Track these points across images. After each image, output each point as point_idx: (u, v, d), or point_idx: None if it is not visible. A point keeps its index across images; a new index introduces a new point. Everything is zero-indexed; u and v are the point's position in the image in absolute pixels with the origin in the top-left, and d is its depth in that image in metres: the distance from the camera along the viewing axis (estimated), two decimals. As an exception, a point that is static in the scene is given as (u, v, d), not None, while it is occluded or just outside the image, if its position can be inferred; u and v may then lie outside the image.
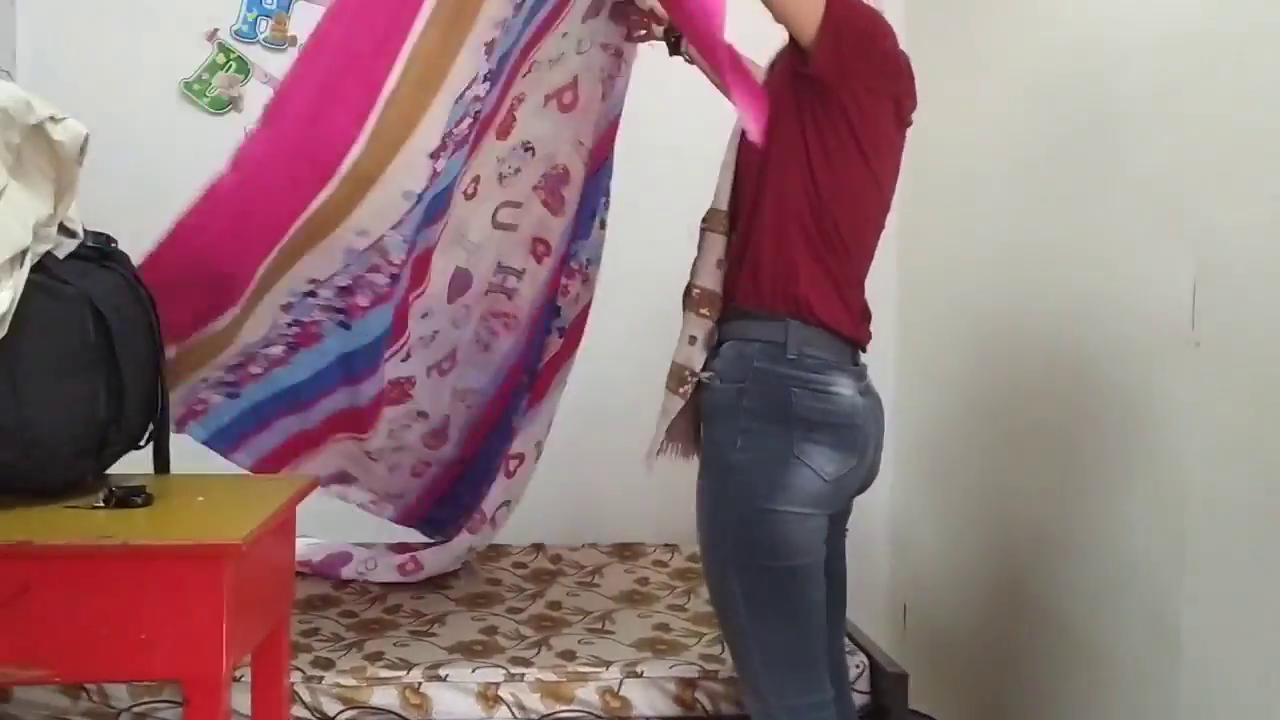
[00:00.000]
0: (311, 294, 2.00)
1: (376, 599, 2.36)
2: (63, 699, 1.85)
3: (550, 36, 2.07)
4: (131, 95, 2.73)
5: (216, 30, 2.80)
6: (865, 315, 1.75)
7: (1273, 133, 1.55)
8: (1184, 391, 1.72)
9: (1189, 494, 1.70)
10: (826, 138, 1.64)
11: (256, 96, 2.79)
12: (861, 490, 1.80)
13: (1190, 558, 1.69)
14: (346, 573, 2.45)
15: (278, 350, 2.07)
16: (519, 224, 2.30)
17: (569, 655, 2.05)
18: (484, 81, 1.89)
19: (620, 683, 1.96)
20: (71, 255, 1.58)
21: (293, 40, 2.82)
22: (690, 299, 1.75)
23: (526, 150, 2.22)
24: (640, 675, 1.97)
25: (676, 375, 1.74)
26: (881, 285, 1.78)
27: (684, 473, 2.87)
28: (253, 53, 2.82)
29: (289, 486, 1.62)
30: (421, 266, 2.13)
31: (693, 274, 1.76)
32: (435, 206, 1.99)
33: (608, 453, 2.88)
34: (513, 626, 2.21)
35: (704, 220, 1.77)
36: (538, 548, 2.74)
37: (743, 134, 1.70)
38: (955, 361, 2.64)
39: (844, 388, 1.67)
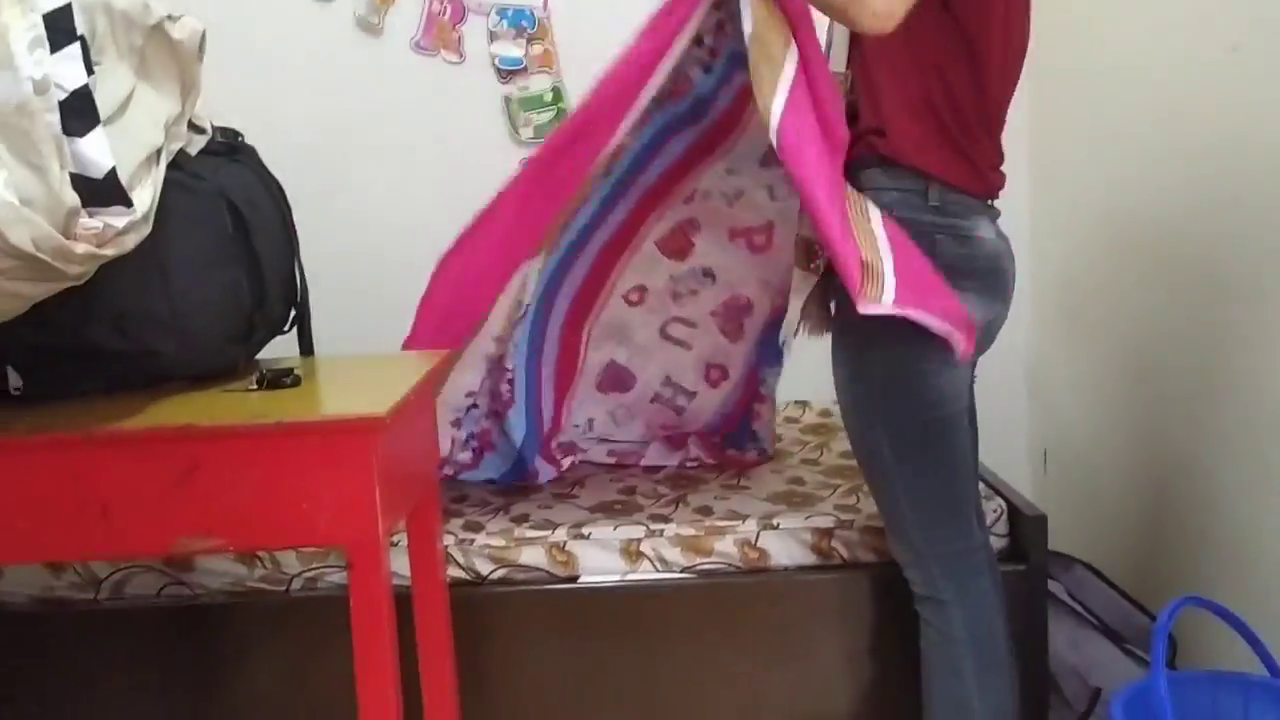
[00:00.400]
0: (474, 405, 2.19)
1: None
2: (240, 568, 2.00)
3: (707, 170, 2.13)
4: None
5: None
6: (996, 162, 1.69)
7: None
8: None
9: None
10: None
11: (361, -20, 2.80)
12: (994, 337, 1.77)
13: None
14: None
15: (467, 456, 2.29)
16: (693, 344, 2.33)
17: (705, 511, 2.10)
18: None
19: (757, 535, 2.01)
20: (202, 152, 1.64)
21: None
22: None
23: (706, 275, 2.27)
24: (777, 527, 2.02)
25: (804, 250, 1.73)
26: (1013, 116, 1.71)
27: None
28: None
29: (427, 361, 1.68)
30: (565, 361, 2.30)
31: None
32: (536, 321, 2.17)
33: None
34: (650, 486, 2.27)
35: None
36: (671, 410, 2.79)
37: None
38: (1093, 196, 2.52)
39: (985, 231, 1.65)
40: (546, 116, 2.85)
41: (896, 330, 1.61)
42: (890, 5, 1.45)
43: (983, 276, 1.65)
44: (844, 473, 2.29)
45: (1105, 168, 2.44)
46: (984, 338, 1.67)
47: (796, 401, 2.79)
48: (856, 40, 1.70)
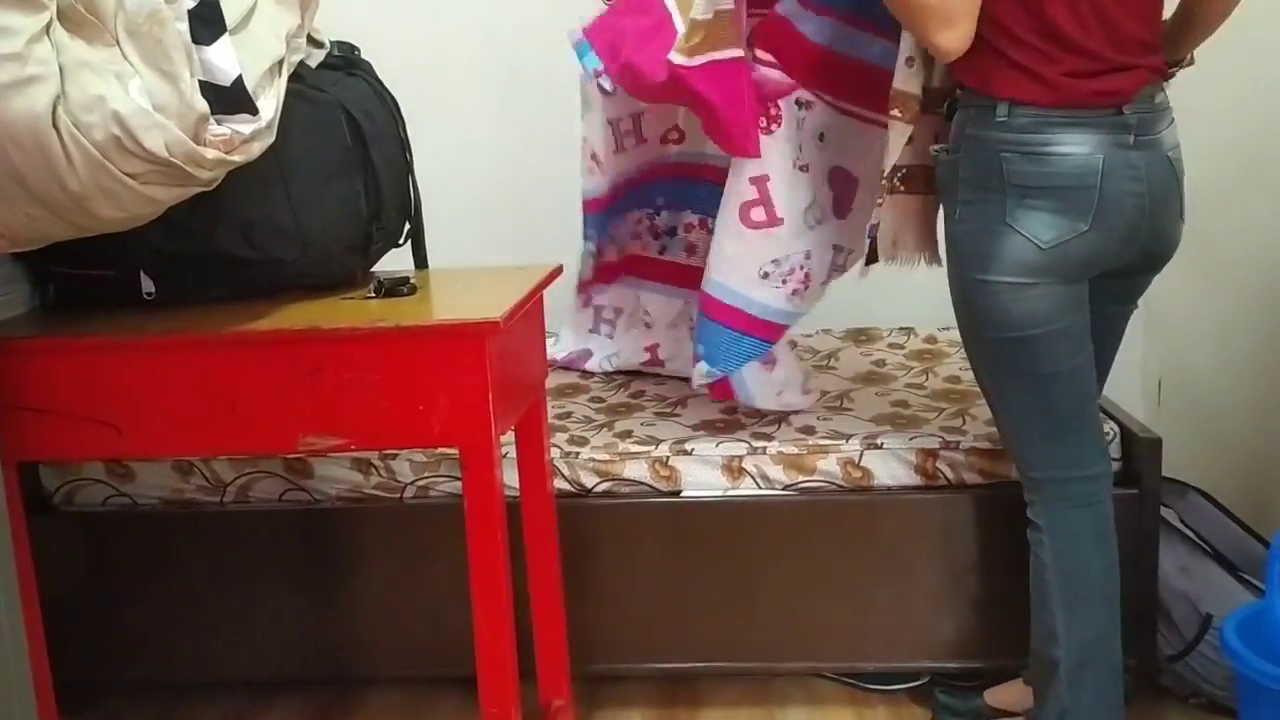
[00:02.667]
0: None
1: (621, 386, 2.49)
2: (357, 475, 2.08)
3: None
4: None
5: None
6: (1078, 71, 1.55)
7: None
8: None
9: None
10: None
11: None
12: (1151, 268, 1.70)
13: None
14: (591, 365, 2.57)
15: None
16: None
17: (809, 430, 2.10)
18: None
19: (861, 454, 2.01)
20: (321, 65, 1.68)
21: None
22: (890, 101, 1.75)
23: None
24: (880, 447, 2.01)
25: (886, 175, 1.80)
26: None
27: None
28: None
29: (537, 273, 1.71)
30: None
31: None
32: None
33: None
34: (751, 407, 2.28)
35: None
36: (772, 335, 2.78)
37: None
38: (1221, 118, 2.41)
39: (1072, 145, 1.55)
40: None
41: (965, 246, 1.63)
42: (950, 42, 1.54)
43: (1057, 194, 1.55)
44: (949, 396, 2.26)
45: (1235, 88, 2.32)
46: (1057, 261, 1.57)
47: (901, 328, 2.76)
48: None
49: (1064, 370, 1.65)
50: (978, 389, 2.22)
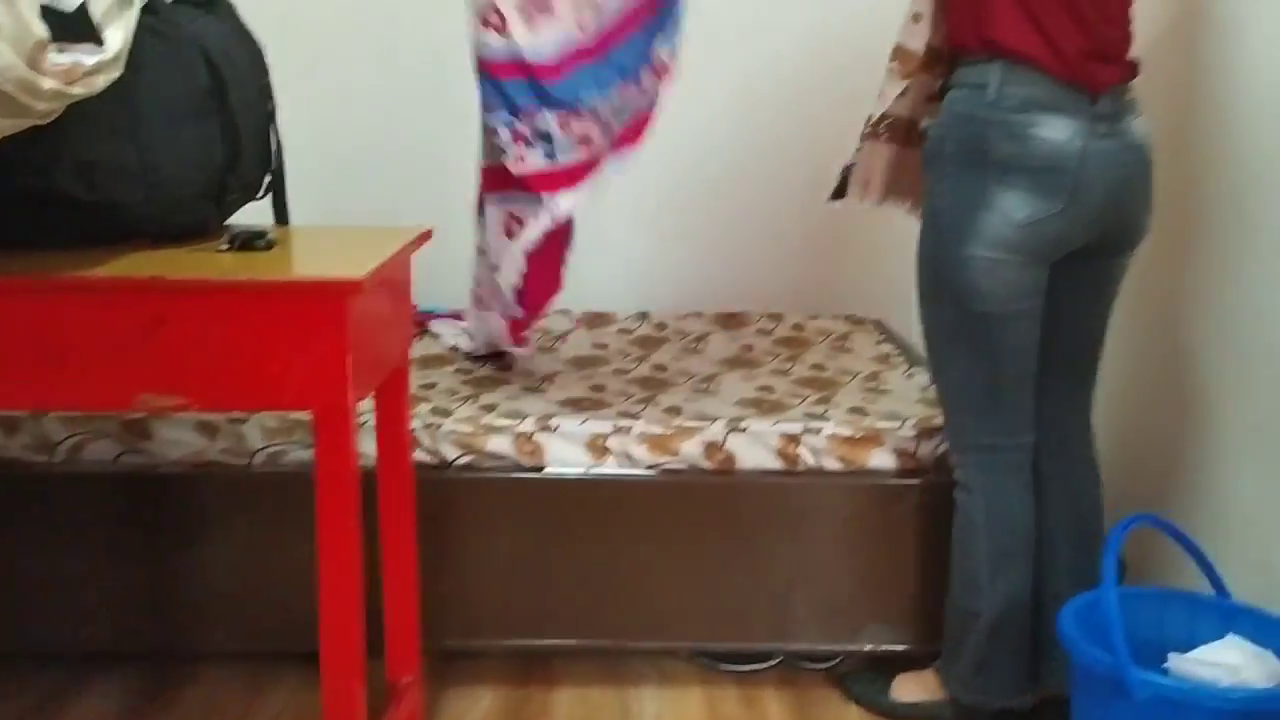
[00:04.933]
0: None
1: (489, 359, 2.43)
2: (201, 439, 1.98)
3: None
4: None
5: None
6: (1096, 53, 1.63)
7: None
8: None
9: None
10: None
11: None
12: (1118, 250, 1.76)
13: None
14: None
15: None
16: None
17: (674, 411, 2.10)
18: None
19: (725, 437, 2.01)
20: (178, 0, 1.57)
21: None
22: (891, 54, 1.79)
23: None
24: (744, 430, 2.02)
25: (867, 122, 1.81)
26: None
27: (789, 244, 2.88)
28: None
29: (406, 234, 1.64)
30: None
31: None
32: None
33: (712, 222, 2.87)
34: (620, 385, 2.26)
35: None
36: (643, 316, 2.78)
37: None
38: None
39: (1053, 130, 1.61)
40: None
41: (945, 219, 1.68)
42: None
43: (1036, 175, 1.62)
44: (814, 383, 2.29)
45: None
46: (1030, 238, 1.64)
47: (770, 314, 2.78)
48: None
49: (1017, 347, 1.74)
50: (841, 378, 2.27)
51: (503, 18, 1.95)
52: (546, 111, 1.96)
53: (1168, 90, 2.04)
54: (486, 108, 2.03)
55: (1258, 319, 1.82)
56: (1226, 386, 1.91)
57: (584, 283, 2.86)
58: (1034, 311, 1.73)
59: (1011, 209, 1.62)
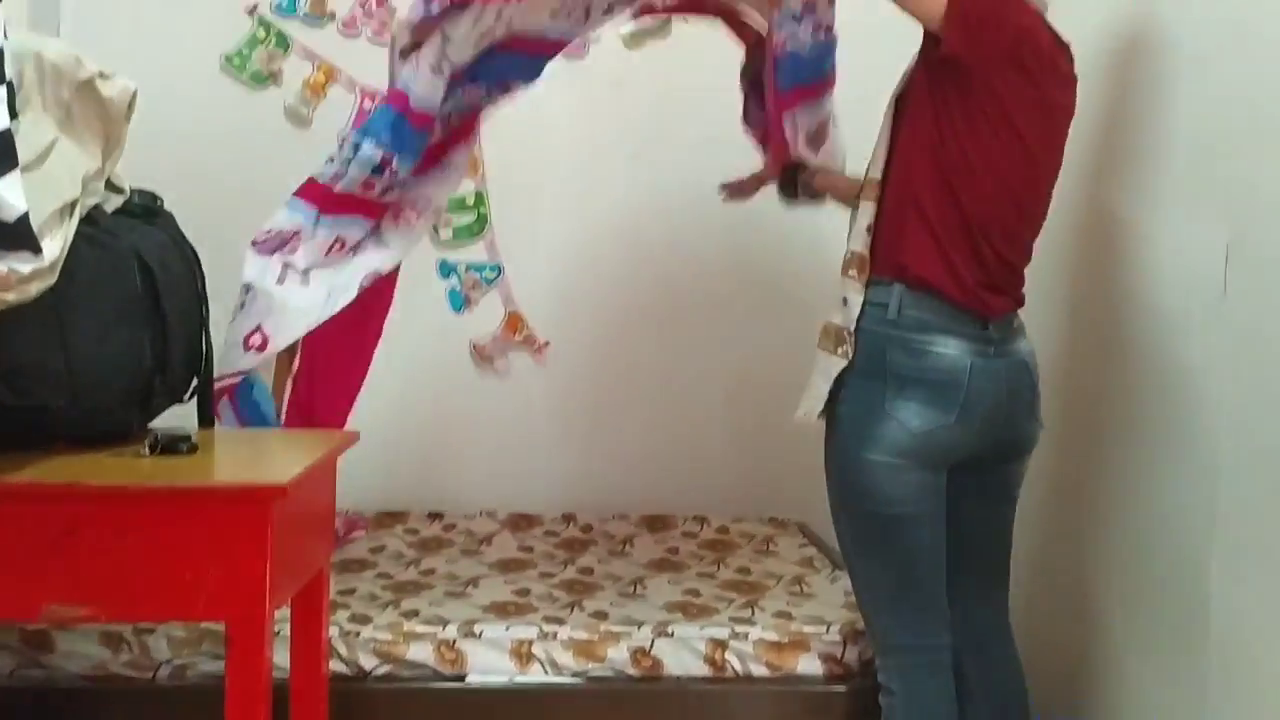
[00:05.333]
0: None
1: (411, 563, 2.39)
2: (104, 651, 1.89)
3: None
4: (172, 68, 2.74)
5: (256, 5, 2.83)
6: (991, 285, 1.74)
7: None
8: (1215, 358, 1.71)
9: (1220, 460, 1.69)
10: (956, 118, 1.68)
11: (296, 71, 2.83)
12: (1010, 458, 1.83)
13: (1221, 520, 1.69)
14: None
15: None
16: None
17: (601, 616, 2.07)
18: None
19: (651, 642, 1.98)
20: (119, 211, 1.62)
21: (331, 15, 2.85)
22: (844, 262, 1.80)
23: None
24: (671, 635, 1.99)
25: (834, 336, 1.78)
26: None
27: (712, 447, 2.93)
28: (292, 27, 2.84)
29: (332, 438, 1.65)
30: None
31: (848, 239, 1.81)
32: None
33: (638, 427, 2.92)
34: (545, 589, 2.23)
35: (862, 189, 1.81)
36: (568, 518, 2.77)
37: (896, 105, 1.78)
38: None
39: (948, 347, 1.71)
40: (467, 219, 2.88)
41: (847, 425, 1.75)
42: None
43: (931, 388, 1.70)
44: (740, 587, 2.29)
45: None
46: (924, 446, 1.70)
47: (695, 516, 2.79)
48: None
49: (922, 547, 1.77)
50: (766, 581, 2.27)
51: None
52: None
53: (1072, 304, 2.18)
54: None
55: (1154, 533, 1.88)
56: (1127, 597, 1.96)
57: (509, 485, 2.88)
58: (936, 514, 1.78)
59: (908, 418, 1.70)
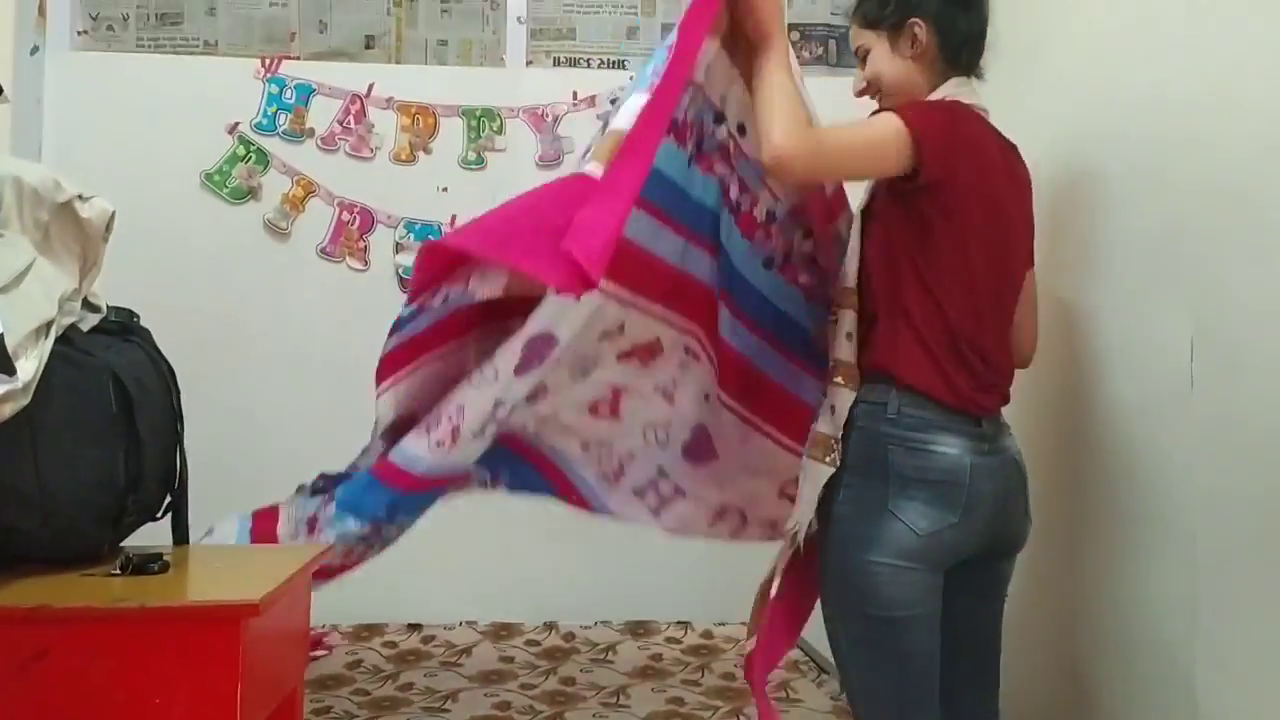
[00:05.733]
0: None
1: (389, 677, 2.35)
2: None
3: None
4: (154, 186, 2.81)
5: (238, 124, 2.90)
6: (981, 387, 1.76)
7: (1258, 192, 1.59)
8: (1185, 451, 1.73)
9: (1198, 553, 1.70)
10: (935, 231, 1.70)
11: (275, 186, 2.89)
12: (1003, 554, 1.82)
13: (1203, 611, 1.69)
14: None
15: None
16: None
17: (583, 729, 2.03)
18: None
19: (635, 755, 1.95)
20: (95, 329, 1.63)
21: (310, 132, 2.92)
22: (829, 370, 1.80)
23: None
24: (655, 747, 1.96)
25: (823, 444, 1.76)
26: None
27: (693, 550, 2.90)
28: (272, 144, 2.91)
29: (305, 553, 1.63)
30: None
31: (831, 348, 1.82)
32: None
33: (618, 530, 2.89)
34: (526, 702, 2.20)
35: (837, 298, 1.82)
36: (550, 626, 2.73)
37: (863, 215, 1.79)
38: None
39: (949, 447, 1.70)
40: (445, 326, 2.91)
41: (847, 527, 1.71)
42: (793, 145, 1.58)
43: (934, 488, 1.69)
44: (725, 694, 2.26)
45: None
46: (930, 548, 1.69)
47: (679, 621, 2.76)
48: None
49: (921, 652, 1.73)
50: (749, 688, 2.24)
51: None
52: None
53: (1043, 399, 2.21)
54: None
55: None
56: (1114, 691, 1.94)
57: (490, 592, 2.84)
58: (935, 615, 1.76)
59: (914, 520, 1.68)
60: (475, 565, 2.85)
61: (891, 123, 1.66)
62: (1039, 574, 2.18)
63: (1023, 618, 2.20)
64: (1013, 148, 1.83)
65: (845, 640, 1.78)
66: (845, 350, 1.79)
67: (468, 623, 2.72)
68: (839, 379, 1.78)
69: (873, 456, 1.71)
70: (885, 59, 1.81)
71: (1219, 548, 1.66)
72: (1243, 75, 1.63)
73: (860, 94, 1.88)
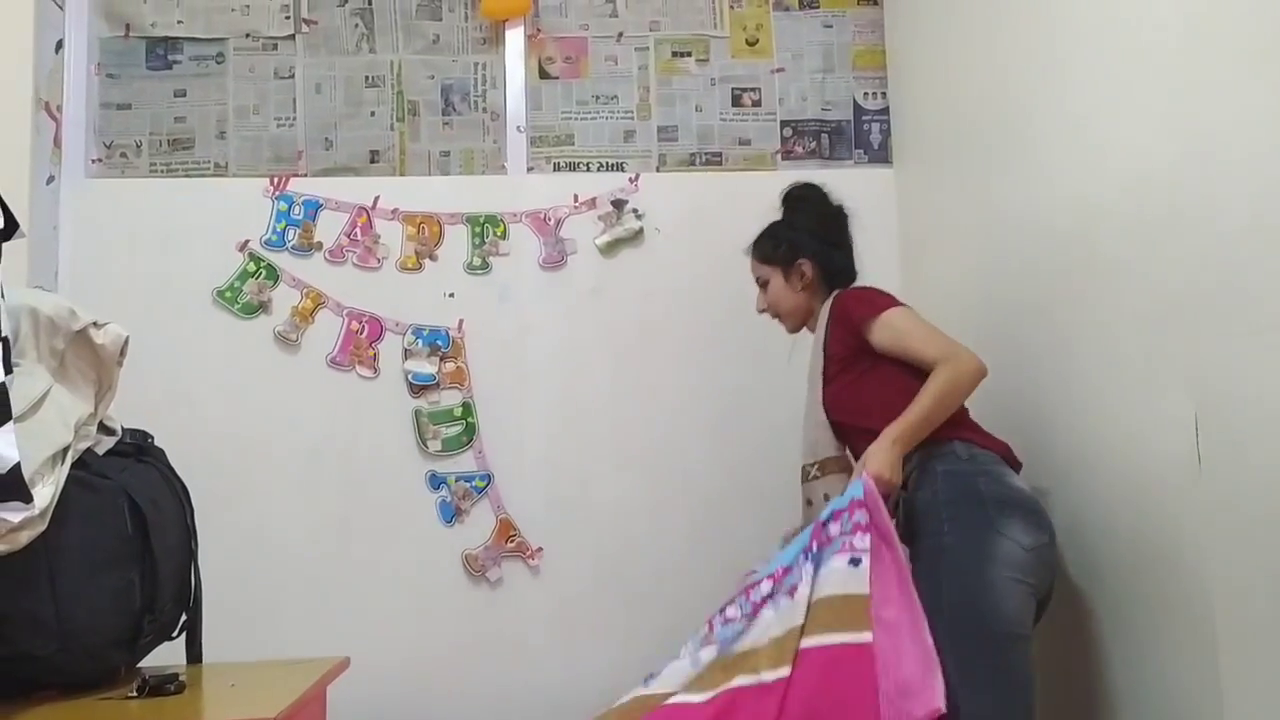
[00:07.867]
0: None
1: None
2: None
3: None
4: (168, 305, 2.87)
5: (248, 241, 2.96)
6: (999, 446, 2.05)
7: (1247, 265, 1.61)
8: (1197, 531, 1.72)
9: (1218, 635, 1.68)
10: (884, 365, 2.08)
11: (285, 299, 2.94)
12: (1043, 604, 1.91)
13: (1227, 696, 1.66)
14: None
15: None
16: None
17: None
18: None
19: None
20: (110, 451, 1.66)
21: (318, 246, 2.98)
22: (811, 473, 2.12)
23: None
24: None
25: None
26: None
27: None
28: (281, 259, 2.97)
29: (320, 666, 1.63)
30: None
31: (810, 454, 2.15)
32: None
33: (637, 624, 2.88)
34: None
35: (817, 467, 2.12)
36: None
37: (823, 394, 2.14)
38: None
39: (1016, 480, 1.96)
40: (455, 430, 2.93)
41: (962, 550, 1.84)
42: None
43: (1025, 507, 1.89)
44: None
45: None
46: (1035, 562, 1.84)
47: None
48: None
49: (1032, 677, 1.82)
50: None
51: None
52: None
53: (1052, 481, 2.20)
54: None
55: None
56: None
57: (510, 701, 2.81)
58: (1030, 635, 1.85)
59: (1018, 536, 1.83)
60: (495, 673, 2.82)
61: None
62: (1056, 661, 2.15)
63: (1047, 707, 2.17)
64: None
65: (955, 666, 1.70)
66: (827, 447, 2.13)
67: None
68: (816, 470, 2.08)
69: (967, 490, 1.90)
70: (781, 290, 2.26)
71: (1237, 629, 1.64)
72: (1226, 149, 1.66)
73: (761, 313, 2.33)
